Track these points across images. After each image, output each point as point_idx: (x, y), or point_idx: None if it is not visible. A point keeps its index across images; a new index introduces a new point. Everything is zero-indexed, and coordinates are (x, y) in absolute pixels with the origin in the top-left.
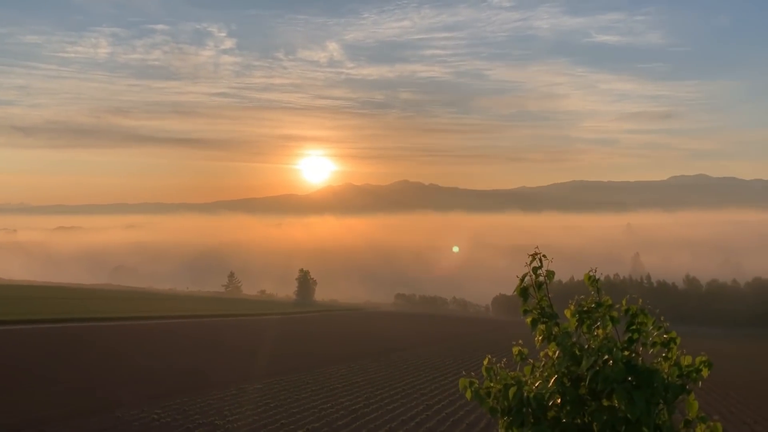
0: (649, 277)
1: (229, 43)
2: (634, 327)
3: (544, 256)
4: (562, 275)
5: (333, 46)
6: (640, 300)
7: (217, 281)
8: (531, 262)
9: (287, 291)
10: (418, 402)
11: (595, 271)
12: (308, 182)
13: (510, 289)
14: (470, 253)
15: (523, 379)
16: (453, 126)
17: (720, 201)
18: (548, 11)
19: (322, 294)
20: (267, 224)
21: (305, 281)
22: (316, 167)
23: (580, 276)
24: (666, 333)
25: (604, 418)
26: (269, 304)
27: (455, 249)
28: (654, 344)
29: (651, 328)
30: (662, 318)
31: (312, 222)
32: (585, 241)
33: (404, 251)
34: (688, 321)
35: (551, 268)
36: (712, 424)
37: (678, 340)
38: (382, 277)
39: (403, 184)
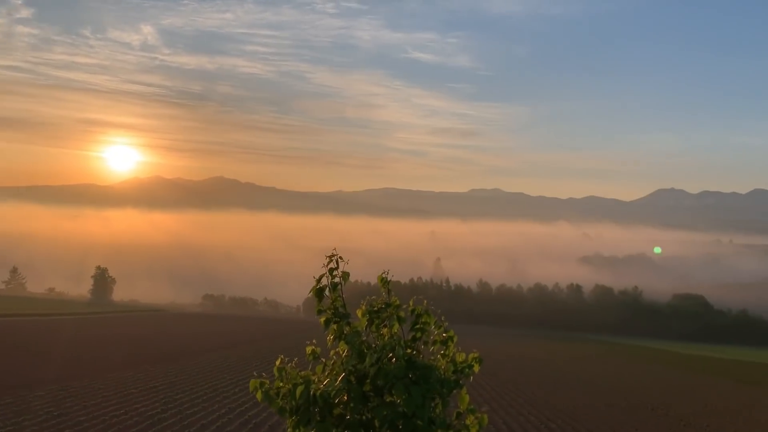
0: (448, 280)
1: (25, 12)
2: (418, 326)
3: (340, 257)
4: (369, 277)
5: (148, 30)
6: (425, 301)
7: None
8: (328, 263)
9: (81, 290)
10: (220, 405)
11: (388, 273)
12: (111, 172)
13: None
14: (282, 254)
15: (313, 378)
16: (273, 125)
17: (511, 213)
18: (370, 23)
19: (121, 294)
20: (60, 215)
21: (102, 279)
22: (122, 157)
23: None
24: (445, 332)
25: (384, 413)
26: (59, 304)
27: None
28: (434, 342)
29: (433, 327)
30: (443, 318)
31: (112, 215)
32: (392, 246)
33: (214, 250)
34: (481, 321)
35: (347, 270)
36: (479, 415)
37: (455, 339)
38: (189, 276)
39: (218, 181)
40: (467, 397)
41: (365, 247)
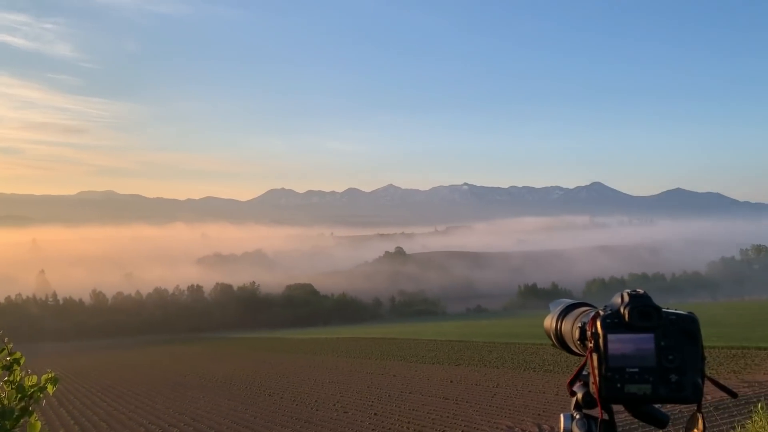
0: (55, 294)
1: None
2: None
3: None
4: None
5: None
6: None
7: None
8: None
9: None
10: None
11: None
12: None
13: None
14: None
15: None
16: None
17: (127, 217)
18: None
19: None
20: None
21: None
22: None
23: None
24: (10, 354)
25: None
26: None
27: None
28: None
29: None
30: (6, 339)
31: None
32: None
33: None
34: (97, 334)
35: None
36: None
37: (22, 361)
38: None
39: None
40: (38, 425)
41: None
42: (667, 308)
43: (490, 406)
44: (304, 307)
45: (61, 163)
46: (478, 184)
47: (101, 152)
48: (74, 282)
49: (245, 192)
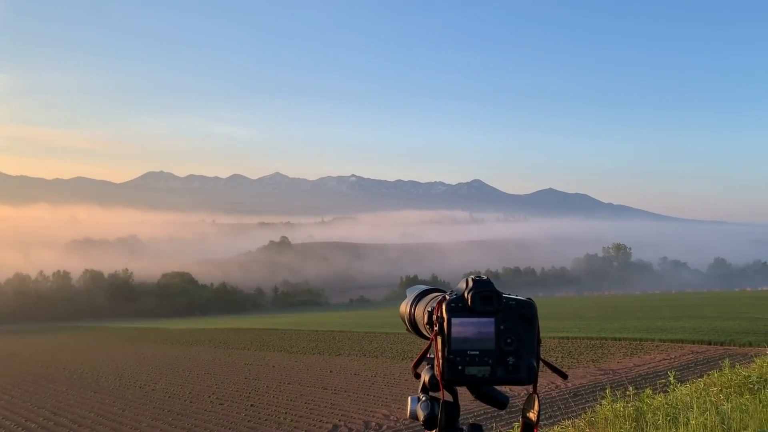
0: None
1: None
2: None
3: None
4: None
5: None
6: None
7: None
8: None
9: None
10: None
11: None
12: None
13: None
14: None
15: None
16: None
17: None
18: None
19: None
20: None
21: None
22: None
23: None
24: None
25: None
26: None
27: None
28: None
29: None
30: None
31: None
32: None
33: None
34: None
35: None
36: None
37: None
38: None
39: None
40: None
41: None
42: (508, 294)
43: (367, 395)
44: (181, 296)
45: None
46: (366, 176)
47: None
48: None
49: (120, 174)
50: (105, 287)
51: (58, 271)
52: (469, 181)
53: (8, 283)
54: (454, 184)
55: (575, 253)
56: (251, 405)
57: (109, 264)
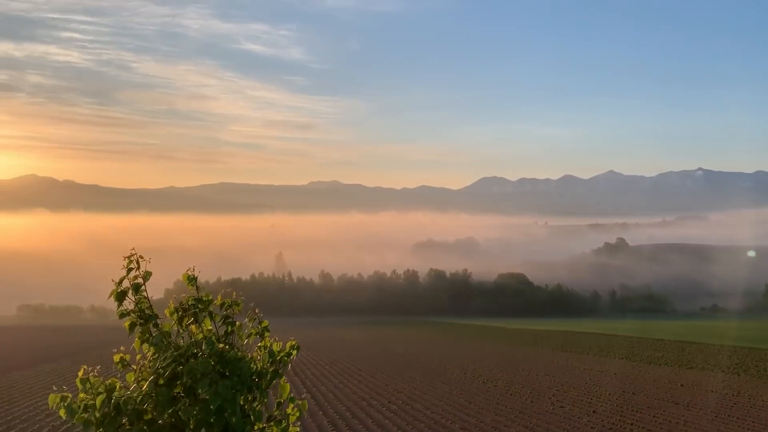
0: (290, 273)
1: None
2: (230, 320)
3: (141, 257)
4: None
5: None
6: (234, 293)
7: None
8: (128, 264)
9: None
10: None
11: (194, 270)
12: None
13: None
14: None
15: (120, 385)
16: (94, 118)
17: (350, 204)
18: (198, 12)
19: None
20: None
21: None
22: None
23: (227, 275)
24: (260, 323)
25: (195, 411)
26: None
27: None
28: (249, 335)
29: (247, 320)
30: (257, 310)
31: None
32: (232, 242)
33: (28, 255)
34: (325, 312)
35: (150, 269)
36: (300, 402)
37: (269, 329)
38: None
39: (30, 179)
40: (288, 386)
41: (199, 245)
42: None
43: (729, 416)
44: (516, 297)
45: (295, 157)
46: (716, 170)
47: (328, 146)
48: (307, 263)
49: (457, 180)
50: (446, 286)
51: (409, 270)
52: None
53: (370, 279)
54: None
55: None
56: (593, 411)
57: (449, 264)
